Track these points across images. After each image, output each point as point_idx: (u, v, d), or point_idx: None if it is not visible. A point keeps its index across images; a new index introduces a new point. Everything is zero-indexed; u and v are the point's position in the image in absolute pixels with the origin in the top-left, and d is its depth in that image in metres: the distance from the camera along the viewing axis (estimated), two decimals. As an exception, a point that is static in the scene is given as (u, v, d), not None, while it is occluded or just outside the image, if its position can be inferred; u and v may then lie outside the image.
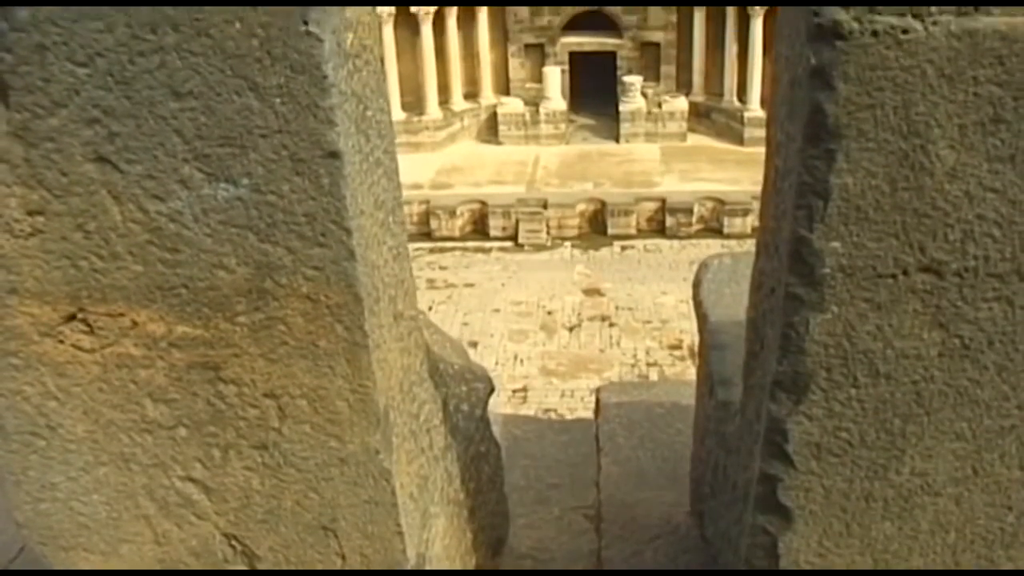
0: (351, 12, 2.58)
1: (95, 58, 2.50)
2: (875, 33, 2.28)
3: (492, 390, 4.16)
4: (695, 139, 46.43)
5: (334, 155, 2.56)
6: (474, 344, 31.59)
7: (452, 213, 40.82)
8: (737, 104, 46.03)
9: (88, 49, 2.50)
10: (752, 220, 37.67)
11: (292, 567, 3.23)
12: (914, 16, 2.29)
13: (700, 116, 47.00)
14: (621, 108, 46.39)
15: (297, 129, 2.53)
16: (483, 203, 41.16)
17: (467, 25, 47.29)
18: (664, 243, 39.78)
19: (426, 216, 40.58)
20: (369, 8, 2.73)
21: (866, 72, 2.31)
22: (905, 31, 2.29)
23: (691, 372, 24.46)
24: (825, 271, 2.54)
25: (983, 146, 2.42)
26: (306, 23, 2.41)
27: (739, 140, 44.81)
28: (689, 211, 40.44)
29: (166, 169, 2.62)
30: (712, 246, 38.03)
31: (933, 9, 2.29)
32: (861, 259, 2.53)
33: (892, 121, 2.37)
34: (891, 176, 2.43)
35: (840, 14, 2.27)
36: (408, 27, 45.61)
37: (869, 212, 2.47)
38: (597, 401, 6.22)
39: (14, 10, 2.46)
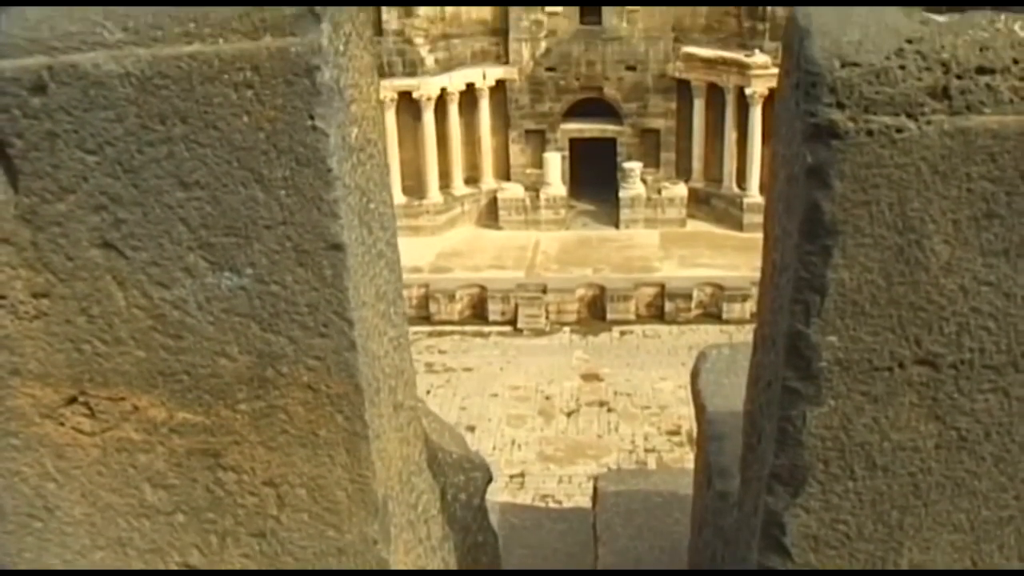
0: (356, 107, 2.63)
1: (104, 146, 2.55)
2: (870, 132, 2.33)
3: (490, 479, 4.16)
4: (694, 225, 46.57)
5: (337, 247, 2.59)
6: (472, 429, 31.43)
7: (451, 297, 40.81)
8: (736, 190, 46.25)
9: (98, 138, 2.55)
10: (751, 305, 37.61)
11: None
12: (908, 116, 2.34)
13: (699, 202, 47.18)
14: (621, 194, 46.59)
15: (301, 221, 2.57)
16: (482, 288, 41.17)
17: (469, 111, 47.68)
18: (663, 328, 39.71)
19: (425, 300, 40.56)
20: (374, 102, 2.78)
21: (861, 170, 2.36)
22: (899, 130, 2.34)
23: (689, 458, 24.34)
24: (822, 365, 2.56)
25: (977, 240, 2.45)
26: (312, 118, 2.46)
27: (738, 226, 44.93)
28: (688, 296, 40.44)
29: (171, 257, 2.65)
30: (711, 331, 38.03)
31: (926, 109, 2.34)
32: (858, 353, 2.55)
33: (888, 217, 2.41)
34: (887, 271, 2.47)
35: (835, 114, 2.32)
36: (410, 112, 45.99)
37: (865, 306, 2.50)
38: (595, 490, 6.20)
39: (27, 97, 2.51)
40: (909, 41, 2.36)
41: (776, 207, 2.73)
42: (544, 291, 40.67)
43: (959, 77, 2.35)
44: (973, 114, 2.36)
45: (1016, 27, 2.42)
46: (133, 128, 2.53)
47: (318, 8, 2.44)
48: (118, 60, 2.50)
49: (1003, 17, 2.45)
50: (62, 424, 2.90)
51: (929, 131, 2.35)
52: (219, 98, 2.48)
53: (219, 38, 2.47)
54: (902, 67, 2.34)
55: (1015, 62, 2.37)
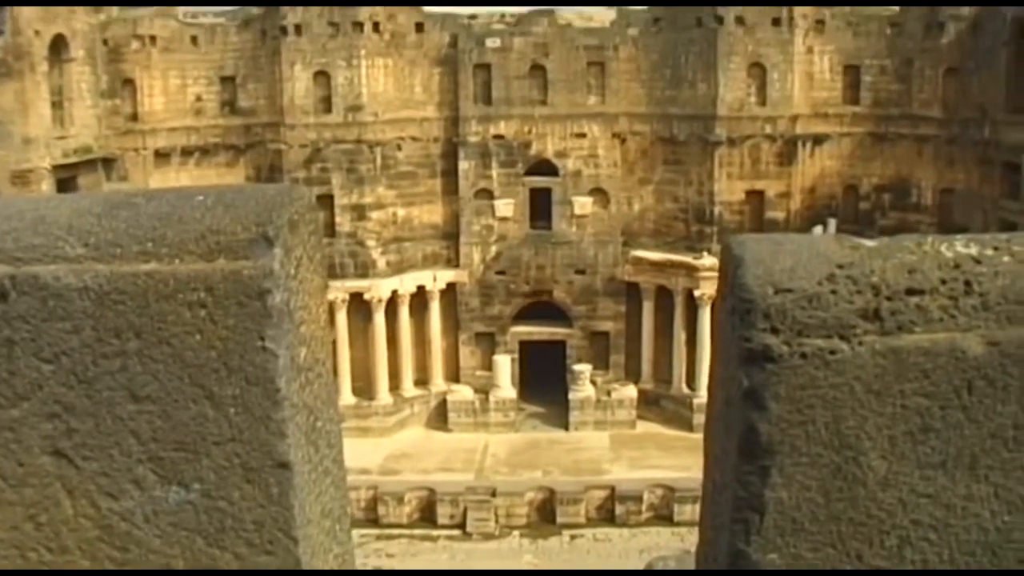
0: (305, 328, 2.69)
1: (60, 356, 2.59)
2: (804, 355, 2.41)
3: None
4: (644, 426, 46.64)
5: (284, 466, 2.62)
6: (419, 636, 30.70)
7: (400, 500, 40.36)
8: (686, 391, 46.50)
9: (55, 347, 2.58)
10: (702, 509, 37.34)
11: None
12: (841, 338, 2.42)
13: (649, 403, 47.38)
14: (570, 396, 46.72)
15: (249, 439, 2.59)
16: (431, 490, 40.80)
17: (419, 313, 48.02)
18: (614, 531, 39.33)
19: (374, 502, 40.09)
20: (323, 323, 2.84)
21: (797, 391, 2.42)
22: (833, 352, 2.42)
23: (642, 667, 23.73)
24: (764, 583, 2.58)
25: (914, 455, 2.50)
26: (262, 339, 2.52)
27: (688, 426, 44.99)
28: (639, 499, 40.21)
29: (120, 468, 2.66)
30: (663, 534, 37.72)
31: (858, 330, 2.42)
32: (799, 569, 2.57)
33: (824, 436, 2.47)
34: (825, 488, 2.51)
35: (770, 339, 2.40)
36: (361, 313, 46.26)
37: (805, 523, 2.53)
38: None
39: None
40: (840, 266, 2.46)
41: (715, 427, 2.78)
42: (493, 494, 40.33)
43: (889, 299, 2.44)
44: (904, 333, 2.44)
45: (943, 248, 2.53)
46: (89, 340, 2.58)
47: (271, 233, 2.53)
48: (78, 274, 2.56)
49: (930, 240, 2.57)
50: (0, 635, 2.86)
51: (862, 352, 2.43)
52: (173, 316, 2.54)
53: (175, 258, 2.54)
54: (833, 292, 2.43)
55: (943, 282, 2.46)
